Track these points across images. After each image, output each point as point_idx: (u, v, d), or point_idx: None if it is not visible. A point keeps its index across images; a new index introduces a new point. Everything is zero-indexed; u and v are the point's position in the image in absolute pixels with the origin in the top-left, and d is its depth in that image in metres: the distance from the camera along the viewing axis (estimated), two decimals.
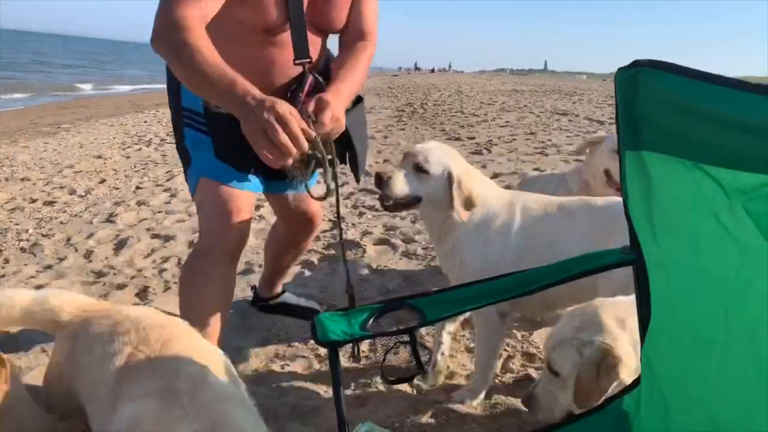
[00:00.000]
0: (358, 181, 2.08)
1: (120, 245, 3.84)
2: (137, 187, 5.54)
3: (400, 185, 2.03)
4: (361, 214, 4.49)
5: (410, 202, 2.08)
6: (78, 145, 8.20)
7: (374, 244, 3.80)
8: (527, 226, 2.04)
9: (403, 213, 4.38)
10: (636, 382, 1.18)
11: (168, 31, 1.52)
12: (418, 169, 2.04)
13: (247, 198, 1.91)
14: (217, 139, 1.90)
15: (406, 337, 1.25)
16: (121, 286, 3.15)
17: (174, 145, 2.10)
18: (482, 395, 2.06)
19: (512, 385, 2.16)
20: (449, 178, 2.02)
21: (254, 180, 1.95)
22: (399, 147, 7.41)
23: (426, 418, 1.97)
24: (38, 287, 3.19)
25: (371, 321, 1.23)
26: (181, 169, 2.05)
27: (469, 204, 2.03)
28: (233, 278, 1.95)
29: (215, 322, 1.87)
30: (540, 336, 2.50)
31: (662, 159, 1.03)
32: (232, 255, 1.90)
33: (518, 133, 8.84)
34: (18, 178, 6.07)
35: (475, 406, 2.03)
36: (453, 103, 13.61)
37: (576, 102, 15.61)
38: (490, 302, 1.23)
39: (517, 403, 2.03)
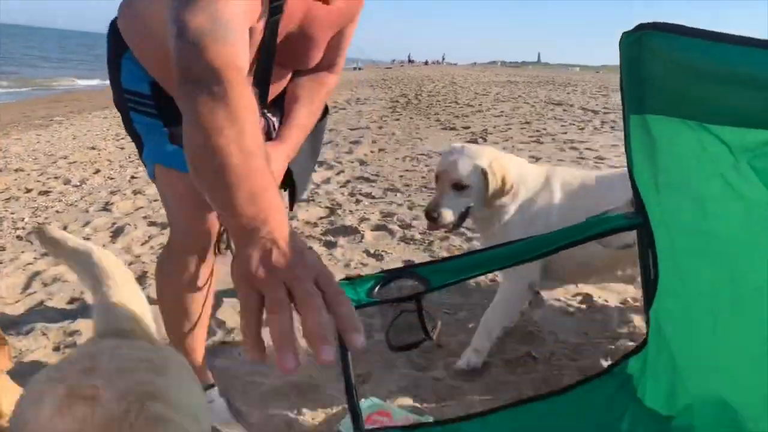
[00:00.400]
0: (290, 209, 1.96)
1: (117, 233, 3.83)
2: (132, 177, 5.51)
3: (450, 216, 2.10)
4: (358, 201, 4.49)
5: (464, 215, 2.14)
6: (71, 137, 8.16)
7: (372, 230, 3.80)
8: (568, 202, 2.07)
9: (400, 199, 4.40)
10: (641, 346, 1.19)
11: (208, 81, 1.02)
12: (458, 188, 2.09)
13: None
14: (168, 122, 1.69)
15: (411, 307, 1.26)
16: None
17: None
18: (485, 355, 2.11)
19: (512, 363, 2.18)
20: (485, 178, 2.06)
21: None
22: (394, 136, 7.41)
23: (427, 394, 1.99)
24: (36, 273, 3.18)
25: (377, 289, 1.24)
26: None
27: (500, 193, 2.07)
28: (212, 267, 1.84)
29: (200, 321, 1.82)
30: (539, 315, 2.52)
31: (667, 121, 1.04)
32: (206, 246, 1.79)
33: (513, 123, 8.85)
34: (12, 169, 6.04)
35: (475, 381, 2.05)
36: (447, 94, 13.61)
37: (570, 92, 15.63)
38: (494, 269, 1.25)
39: (517, 380, 2.05)
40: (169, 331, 1.88)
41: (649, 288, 1.16)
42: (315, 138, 1.97)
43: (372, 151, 6.49)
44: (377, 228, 3.82)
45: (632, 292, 2.69)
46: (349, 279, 1.29)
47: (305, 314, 0.70)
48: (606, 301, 2.60)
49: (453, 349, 2.27)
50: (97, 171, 5.85)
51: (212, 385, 1.92)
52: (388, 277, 1.25)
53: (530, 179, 2.13)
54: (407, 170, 5.29)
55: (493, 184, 2.05)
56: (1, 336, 0.79)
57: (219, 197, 0.89)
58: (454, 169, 2.09)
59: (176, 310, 1.81)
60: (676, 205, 1.05)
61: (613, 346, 2.24)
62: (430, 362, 2.20)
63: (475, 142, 7.12)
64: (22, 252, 3.52)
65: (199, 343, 1.84)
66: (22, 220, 4.19)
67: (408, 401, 1.94)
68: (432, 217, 2.10)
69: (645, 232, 1.13)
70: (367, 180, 5.06)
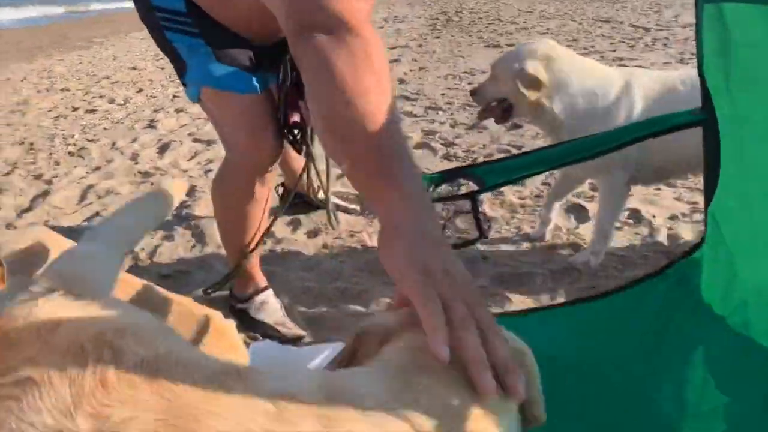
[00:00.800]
0: None
1: (163, 149, 3.91)
2: (174, 96, 5.55)
3: (487, 96, 2.22)
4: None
5: (506, 109, 2.20)
6: (112, 58, 8.20)
7: (414, 148, 3.78)
8: (646, 105, 2.02)
9: (443, 118, 4.33)
10: (697, 245, 1.18)
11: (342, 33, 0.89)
12: (493, 76, 2.20)
13: (261, 100, 1.69)
14: (212, 41, 1.63)
15: (465, 207, 1.27)
16: None
17: None
18: (602, 256, 2.21)
19: (557, 273, 2.20)
20: (513, 75, 2.09)
21: (258, 79, 1.68)
22: (435, 55, 7.21)
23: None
24: (89, 186, 3.29)
25: (432, 188, 1.24)
26: None
27: (535, 86, 2.06)
28: (270, 186, 1.87)
29: (257, 230, 1.87)
30: (585, 229, 2.51)
31: (744, 9, 0.98)
32: (266, 165, 1.77)
33: (559, 41, 8.48)
34: (58, 88, 6.14)
35: (517, 288, 2.09)
36: (490, 11, 13.07)
37: (619, 9, 14.80)
38: (551, 168, 1.23)
39: (563, 289, 2.07)
40: (226, 243, 1.96)
41: (710, 186, 1.13)
42: None
43: (412, 70, 6.35)
44: (419, 146, 3.80)
45: (681, 207, 2.65)
46: None
47: (466, 337, 0.67)
48: (654, 216, 2.57)
49: (498, 259, 2.29)
50: (140, 90, 5.91)
51: (267, 287, 2.01)
52: (443, 176, 1.24)
53: (601, 83, 2.06)
54: (449, 88, 5.18)
55: (524, 84, 2.06)
56: None
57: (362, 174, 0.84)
58: (498, 62, 2.21)
59: (234, 224, 1.88)
60: (747, 102, 1.01)
61: (661, 258, 2.23)
62: (474, 272, 2.23)
63: None
64: (75, 167, 3.64)
65: (254, 246, 1.90)
66: (73, 136, 4.30)
67: None
68: (473, 93, 2.28)
69: (710, 128, 1.09)
70: (408, 99, 4.98)
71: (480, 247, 2.31)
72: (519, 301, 2.01)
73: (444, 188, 1.28)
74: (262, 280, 2.03)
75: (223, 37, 1.62)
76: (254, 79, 1.64)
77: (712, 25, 1.05)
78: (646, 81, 2.05)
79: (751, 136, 1.02)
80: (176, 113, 4.83)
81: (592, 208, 2.68)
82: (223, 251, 2.12)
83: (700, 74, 1.10)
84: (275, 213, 1.85)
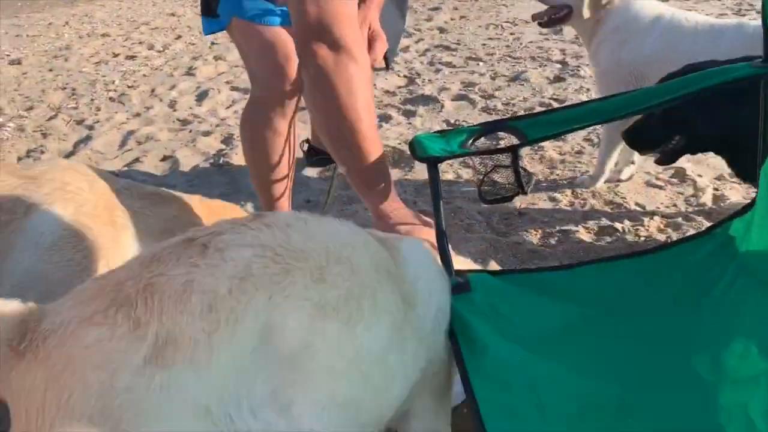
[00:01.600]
0: (387, 68, 2.32)
1: (201, 96, 3.92)
2: (213, 43, 5.53)
3: None
4: (437, 71, 4.34)
5: (564, 16, 2.36)
6: (151, 3, 8.17)
7: (452, 100, 3.70)
8: (669, 37, 2.19)
9: (483, 69, 4.22)
10: (747, 207, 1.14)
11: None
12: None
13: (286, 35, 1.79)
14: None
15: (505, 161, 1.24)
16: (206, 134, 3.25)
17: None
18: (600, 182, 2.42)
19: (596, 231, 2.15)
20: None
21: (284, 14, 1.79)
22: (477, 3, 6.96)
23: (507, 257, 2.02)
24: (130, 132, 3.34)
25: (470, 141, 1.21)
26: None
27: (597, 3, 2.26)
28: (293, 120, 1.92)
29: (285, 169, 1.93)
30: (625, 187, 2.44)
31: None
32: (288, 98, 1.84)
33: None
34: (98, 34, 6.17)
35: (554, 245, 2.06)
36: None
37: None
38: (595, 123, 1.19)
39: (599, 247, 2.03)
40: (258, 183, 1.98)
41: (765, 144, 1.08)
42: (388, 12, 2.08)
43: (453, 18, 6.16)
44: (458, 98, 3.72)
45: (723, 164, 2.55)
46: (440, 131, 1.27)
47: None
48: (700, 175, 2.48)
49: (535, 216, 2.26)
50: (179, 37, 5.90)
51: None
52: (483, 129, 1.21)
53: (639, 7, 2.26)
54: (490, 38, 5.02)
55: None
56: None
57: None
58: None
59: (262, 159, 1.92)
60: None
61: (705, 220, 2.16)
62: (510, 228, 2.21)
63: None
64: (116, 113, 3.68)
65: (283, 189, 1.96)
66: (113, 83, 4.34)
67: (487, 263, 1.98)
68: None
69: None
70: (448, 48, 4.85)
71: (516, 202, 2.28)
72: (555, 258, 1.99)
73: (483, 141, 1.25)
74: None
75: None
76: (279, 12, 1.78)
77: None
78: (678, 15, 2.26)
79: None
80: (215, 61, 4.82)
81: (633, 167, 2.60)
82: (256, 200, 2.15)
83: (765, 26, 1.03)
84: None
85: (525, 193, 1.24)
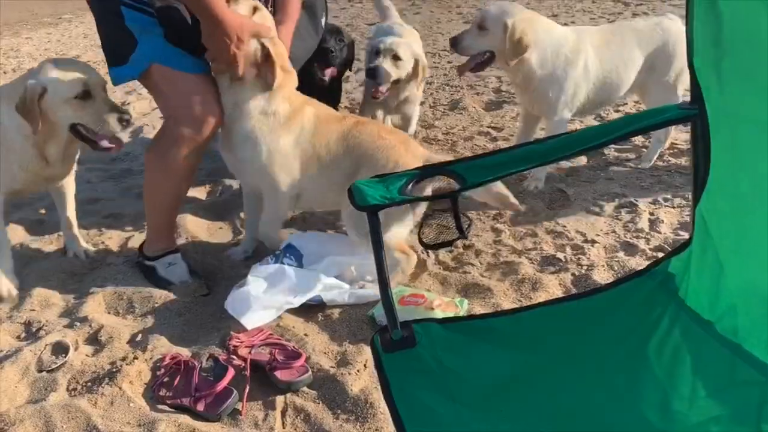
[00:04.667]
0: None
1: (136, 133, 3.79)
2: None
3: (470, 47, 2.49)
4: None
5: (486, 60, 2.52)
6: (82, 36, 7.92)
7: None
8: (597, 56, 2.55)
9: (422, 97, 4.24)
10: (685, 245, 1.14)
11: None
12: (481, 29, 2.44)
13: (208, 80, 1.98)
14: (165, 22, 1.90)
15: (444, 206, 1.21)
16: (139, 172, 3.13)
17: None
18: (542, 184, 2.71)
19: (540, 262, 2.16)
20: (505, 30, 2.38)
21: (203, 63, 1.98)
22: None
23: (457, 292, 1.99)
24: None
25: (410, 186, 1.18)
26: None
27: (518, 50, 2.41)
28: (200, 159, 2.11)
29: (179, 197, 2.13)
30: (566, 215, 2.47)
31: (739, 2, 0.93)
32: (207, 142, 2.00)
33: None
34: (25, 68, 5.91)
35: (500, 278, 2.05)
36: None
37: None
38: (534, 165, 1.17)
39: (544, 278, 2.03)
40: (151, 201, 2.11)
41: (699, 184, 1.09)
42: (314, 14, 2.50)
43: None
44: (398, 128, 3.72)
45: (660, 191, 2.62)
46: (379, 176, 1.23)
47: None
48: (636, 200, 2.54)
49: (480, 248, 2.25)
50: None
51: (177, 249, 2.17)
52: (421, 173, 1.18)
53: (558, 41, 2.49)
54: (429, 67, 5.07)
55: (511, 40, 2.38)
56: None
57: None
58: (484, 13, 2.46)
59: (166, 188, 2.06)
60: (741, 93, 0.96)
61: (644, 247, 2.20)
62: (457, 262, 2.19)
63: None
64: None
65: (175, 213, 2.17)
66: None
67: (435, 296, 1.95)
68: (455, 43, 2.51)
69: (700, 123, 1.04)
70: None
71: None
72: (501, 292, 1.97)
73: (423, 185, 1.22)
74: (174, 243, 2.19)
75: (179, 23, 1.91)
76: (201, 61, 1.95)
77: (705, 15, 1.00)
78: (593, 32, 2.62)
79: (744, 137, 0.97)
80: (148, 95, 4.68)
81: (572, 193, 2.64)
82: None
83: (690, 66, 1.05)
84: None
85: (465, 238, 1.22)
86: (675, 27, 2.61)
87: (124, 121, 1.91)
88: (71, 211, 2.28)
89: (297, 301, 1.87)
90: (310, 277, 1.94)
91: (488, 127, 3.53)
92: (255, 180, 2.11)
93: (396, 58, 2.67)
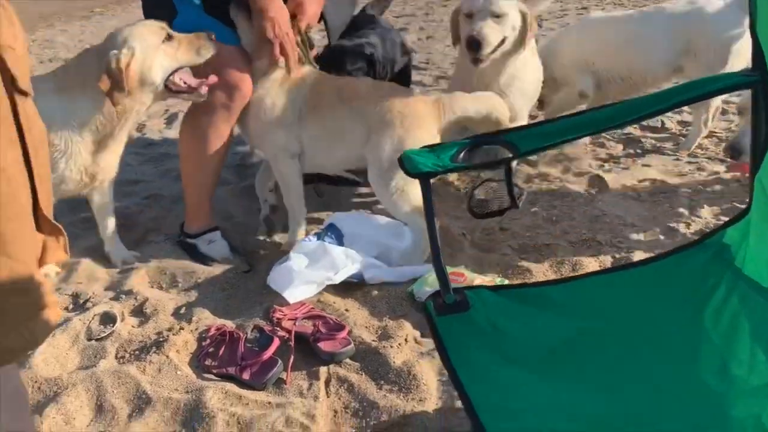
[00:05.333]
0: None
1: (171, 120, 3.85)
2: None
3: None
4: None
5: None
6: (113, 28, 8.06)
7: None
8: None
9: None
10: (741, 215, 1.13)
11: None
12: (496, 16, 2.21)
13: (242, 51, 2.06)
14: None
15: (496, 175, 1.22)
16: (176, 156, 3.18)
17: None
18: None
19: (578, 245, 2.14)
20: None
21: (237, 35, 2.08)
22: (442, 23, 7.06)
23: (494, 272, 1.99)
24: None
25: (462, 154, 1.19)
26: None
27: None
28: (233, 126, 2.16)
29: (216, 170, 2.17)
30: (604, 200, 2.45)
31: None
32: (238, 110, 2.07)
33: (569, 9, 8.31)
34: (60, 59, 6.03)
35: (538, 259, 2.04)
36: None
37: None
38: (586, 134, 1.18)
39: (583, 260, 2.02)
40: (188, 174, 2.16)
41: (758, 152, 1.08)
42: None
43: (420, 39, 6.23)
44: None
45: (699, 178, 2.59)
46: (430, 146, 1.24)
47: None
48: (675, 186, 2.51)
49: (517, 231, 2.24)
50: None
51: (216, 227, 2.20)
52: (473, 142, 1.19)
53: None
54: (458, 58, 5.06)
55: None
56: (59, 228, 0.80)
57: None
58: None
59: (202, 159, 2.09)
60: None
61: (684, 231, 2.18)
62: (493, 243, 2.18)
63: None
64: None
65: (212, 189, 2.19)
66: None
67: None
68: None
69: (762, 89, 1.03)
70: (417, 68, 4.86)
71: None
72: (540, 273, 1.97)
73: (475, 154, 1.23)
74: (212, 221, 2.22)
75: None
76: (232, 32, 2.05)
77: None
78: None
79: None
80: None
81: (610, 179, 2.62)
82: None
83: (752, 33, 1.04)
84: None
85: (517, 207, 1.23)
86: (711, 6, 2.57)
87: (212, 39, 1.90)
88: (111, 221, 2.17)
89: (338, 278, 1.89)
90: (350, 255, 1.96)
91: None
92: (255, 143, 2.26)
93: (496, 15, 2.21)
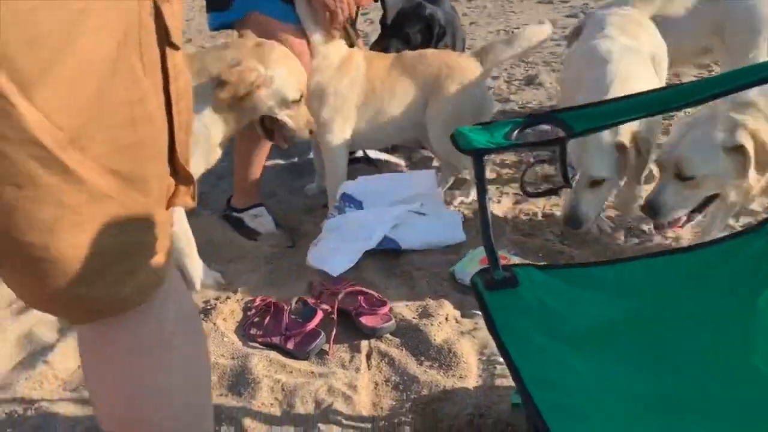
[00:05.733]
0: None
1: None
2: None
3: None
4: None
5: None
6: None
7: None
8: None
9: (496, 72, 4.20)
10: None
11: None
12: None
13: (301, 31, 2.07)
14: None
15: (549, 154, 1.22)
16: None
17: None
18: None
19: (624, 232, 2.12)
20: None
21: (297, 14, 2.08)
22: (485, 9, 6.98)
23: (536, 257, 1.99)
24: None
25: (515, 132, 1.19)
26: None
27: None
28: None
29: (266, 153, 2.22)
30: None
31: None
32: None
33: None
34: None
35: (581, 245, 2.03)
36: None
37: None
38: (644, 115, 1.16)
39: (627, 248, 2.00)
40: (242, 152, 2.20)
41: None
42: None
43: (462, 24, 6.14)
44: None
45: None
46: (482, 124, 1.24)
47: None
48: None
49: (559, 217, 2.23)
50: (189, 40, 5.90)
51: (262, 204, 2.25)
52: (527, 121, 1.19)
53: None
54: None
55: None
56: (191, 176, 0.84)
57: None
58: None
59: (255, 137, 2.07)
60: None
61: (732, 223, 2.14)
62: (535, 229, 2.17)
63: (575, 17, 6.61)
64: None
65: (259, 168, 2.22)
66: None
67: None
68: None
69: None
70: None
71: (540, 202, 2.24)
72: (583, 259, 1.96)
73: (529, 133, 1.23)
74: (259, 197, 2.27)
75: None
76: (290, 9, 2.05)
77: None
78: None
79: None
80: None
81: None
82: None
83: None
84: None
85: (570, 187, 1.22)
86: None
87: (311, 132, 1.91)
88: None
89: (373, 242, 1.93)
90: (376, 215, 2.02)
91: None
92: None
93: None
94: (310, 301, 1.75)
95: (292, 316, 1.69)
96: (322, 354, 1.61)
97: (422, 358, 1.58)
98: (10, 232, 0.65)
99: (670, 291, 1.12)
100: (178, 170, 0.81)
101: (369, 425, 1.39)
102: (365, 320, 1.66)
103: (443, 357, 1.56)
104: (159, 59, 0.72)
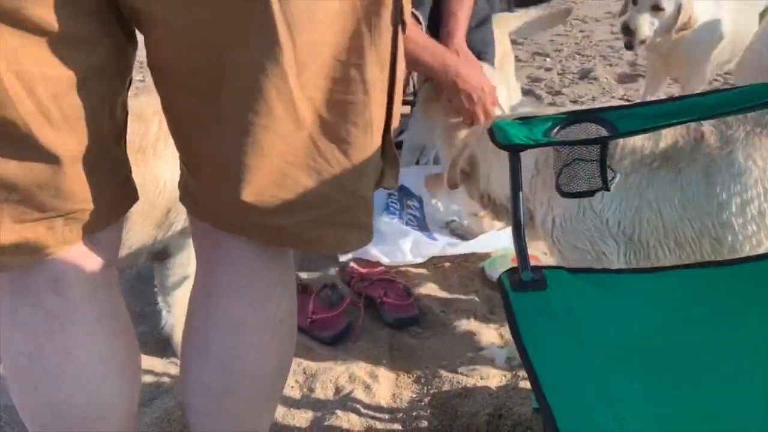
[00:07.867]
0: None
1: None
2: None
3: (646, 30, 2.46)
4: None
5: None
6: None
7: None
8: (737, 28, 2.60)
9: (549, 64, 4.10)
10: None
11: None
12: (656, 9, 2.43)
13: None
14: None
15: (588, 154, 1.17)
16: None
17: None
18: None
19: None
20: (678, 9, 2.41)
21: None
22: None
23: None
24: None
25: (555, 130, 1.14)
26: None
27: (682, 27, 2.45)
28: None
29: None
30: None
31: None
32: None
33: None
34: None
35: None
36: None
37: None
38: (693, 119, 1.11)
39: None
40: None
41: None
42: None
43: None
44: (523, 93, 3.60)
45: None
46: (522, 119, 1.21)
47: None
48: None
49: None
50: None
51: None
52: (570, 118, 1.14)
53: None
54: (558, 35, 4.87)
55: (683, 18, 2.40)
56: (396, 157, 0.88)
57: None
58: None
59: None
60: None
61: None
62: None
63: None
64: None
65: None
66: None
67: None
68: (629, 29, 2.47)
69: None
70: (514, 42, 4.72)
71: None
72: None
73: (570, 130, 1.18)
74: None
75: None
76: None
77: None
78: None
79: None
80: None
81: None
82: None
83: None
84: None
85: (608, 190, 1.17)
86: None
87: None
88: None
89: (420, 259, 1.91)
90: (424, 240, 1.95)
91: (620, 99, 3.36)
92: None
93: (656, 8, 2.44)
94: (338, 286, 1.75)
95: (319, 301, 1.69)
96: (346, 341, 1.61)
97: (445, 354, 1.56)
98: (234, 153, 0.72)
99: (702, 304, 1.07)
100: (386, 152, 0.83)
101: (387, 416, 1.38)
102: (390, 310, 1.64)
103: (467, 354, 1.54)
104: (390, 37, 0.74)
